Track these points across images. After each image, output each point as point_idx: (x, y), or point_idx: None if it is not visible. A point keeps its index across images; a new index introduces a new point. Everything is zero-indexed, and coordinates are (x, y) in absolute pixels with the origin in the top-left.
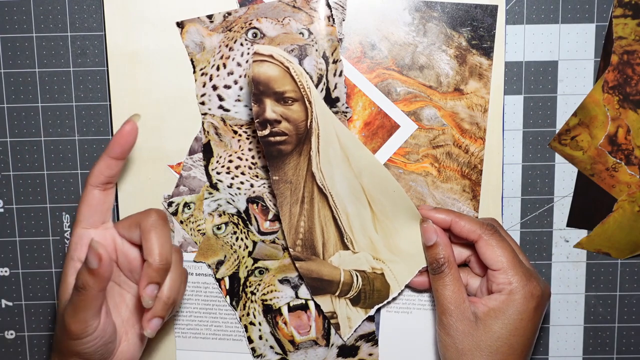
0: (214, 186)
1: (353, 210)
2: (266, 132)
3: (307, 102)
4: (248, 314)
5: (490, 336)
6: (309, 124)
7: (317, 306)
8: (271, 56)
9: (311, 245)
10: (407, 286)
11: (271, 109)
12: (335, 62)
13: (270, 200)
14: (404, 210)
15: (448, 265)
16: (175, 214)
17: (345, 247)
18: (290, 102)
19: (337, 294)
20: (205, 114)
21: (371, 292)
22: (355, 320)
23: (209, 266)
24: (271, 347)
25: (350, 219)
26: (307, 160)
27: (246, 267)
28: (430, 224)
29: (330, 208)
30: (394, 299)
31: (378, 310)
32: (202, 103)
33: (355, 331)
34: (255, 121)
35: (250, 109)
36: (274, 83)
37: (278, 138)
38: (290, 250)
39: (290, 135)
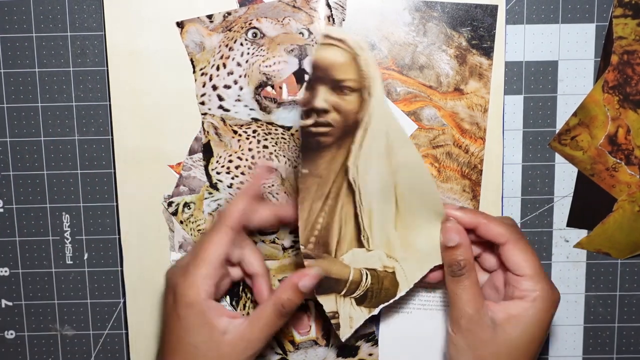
0: (214, 186)
1: (377, 207)
2: (310, 121)
3: (366, 94)
4: (248, 314)
5: (509, 344)
6: (360, 116)
7: (318, 305)
8: (342, 41)
9: (325, 242)
10: (416, 283)
11: (323, 98)
12: None
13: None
14: (430, 206)
15: (468, 268)
16: (175, 214)
17: (361, 245)
18: (347, 91)
19: (343, 293)
20: (205, 114)
21: (379, 291)
22: (357, 320)
23: None
24: (271, 347)
25: (372, 216)
26: (345, 154)
27: None
28: (453, 224)
29: (355, 204)
30: (401, 297)
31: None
32: (202, 103)
33: (355, 332)
34: (301, 109)
35: (251, 109)
36: (336, 70)
37: (321, 129)
38: (302, 247)
39: (336, 127)
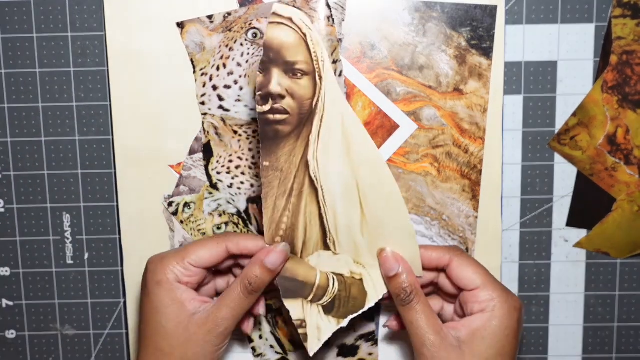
0: (214, 186)
1: (342, 209)
2: (266, 107)
3: (317, 78)
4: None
5: (478, 359)
6: (314, 103)
7: (287, 312)
8: (290, 19)
9: (291, 242)
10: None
11: (277, 82)
12: (335, 62)
13: None
14: (396, 216)
15: (416, 293)
16: (175, 213)
17: (327, 248)
18: (299, 75)
19: (309, 298)
20: (205, 114)
21: (347, 300)
22: (325, 331)
23: None
24: (271, 346)
25: (338, 218)
26: (304, 146)
27: None
28: (389, 252)
29: (319, 204)
30: (370, 308)
31: (377, 313)
32: (202, 103)
33: (355, 331)
34: (257, 93)
35: (251, 109)
36: (287, 51)
37: (278, 116)
38: (267, 245)
39: (292, 114)
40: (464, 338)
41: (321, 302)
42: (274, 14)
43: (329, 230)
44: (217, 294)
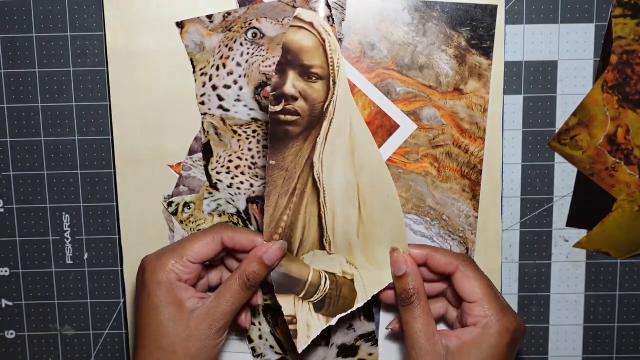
0: (214, 186)
1: (341, 210)
2: (279, 108)
3: (331, 83)
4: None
5: None
6: (326, 106)
7: (280, 308)
8: (311, 24)
9: (288, 241)
10: (374, 297)
11: (292, 84)
12: None
13: None
14: (392, 219)
15: (418, 297)
16: (175, 214)
17: (322, 248)
18: (314, 78)
19: (302, 295)
20: (205, 114)
21: (337, 299)
22: (314, 329)
23: None
24: (271, 346)
25: (336, 220)
26: (311, 148)
27: None
28: (400, 254)
29: (319, 205)
30: (358, 309)
31: (377, 313)
32: (202, 103)
33: (355, 331)
34: (271, 94)
35: (251, 109)
36: (305, 55)
37: (289, 117)
38: (264, 242)
39: (302, 116)
40: (452, 348)
41: (312, 299)
42: (297, 18)
43: (326, 231)
44: (210, 287)
